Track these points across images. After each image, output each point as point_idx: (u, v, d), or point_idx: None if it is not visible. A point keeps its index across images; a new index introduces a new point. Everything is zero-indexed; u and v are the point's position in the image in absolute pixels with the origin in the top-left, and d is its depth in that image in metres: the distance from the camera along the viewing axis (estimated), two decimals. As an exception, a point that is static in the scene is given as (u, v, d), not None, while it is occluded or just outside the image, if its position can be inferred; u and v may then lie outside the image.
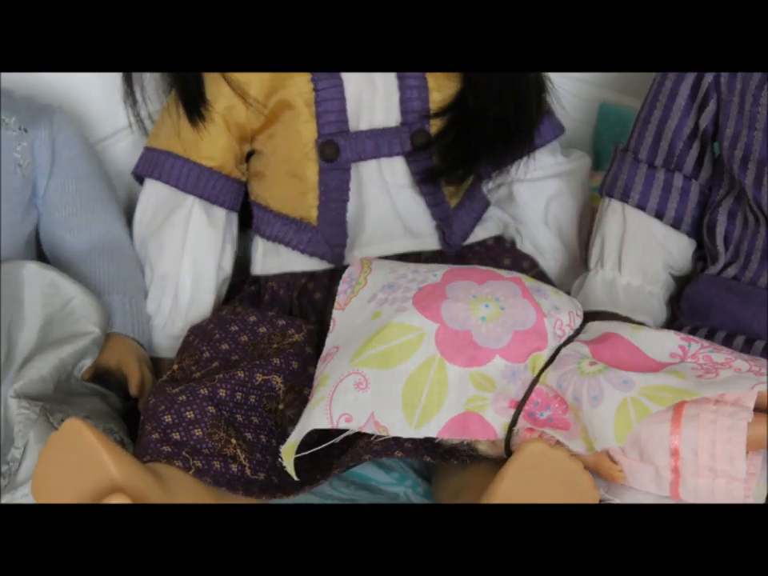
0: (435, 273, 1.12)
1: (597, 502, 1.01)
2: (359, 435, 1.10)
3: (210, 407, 1.10)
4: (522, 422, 1.05)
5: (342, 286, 1.16)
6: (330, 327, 1.14)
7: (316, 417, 1.05)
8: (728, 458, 0.99)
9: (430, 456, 1.08)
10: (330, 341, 1.13)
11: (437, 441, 1.08)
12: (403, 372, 1.06)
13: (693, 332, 1.20)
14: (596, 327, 1.11)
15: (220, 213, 1.32)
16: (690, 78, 1.22)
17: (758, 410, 1.02)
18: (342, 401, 1.05)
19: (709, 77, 1.20)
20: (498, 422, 1.05)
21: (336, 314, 1.14)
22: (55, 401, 1.14)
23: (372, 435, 1.08)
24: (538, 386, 1.06)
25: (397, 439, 1.07)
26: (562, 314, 1.10)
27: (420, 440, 1.08)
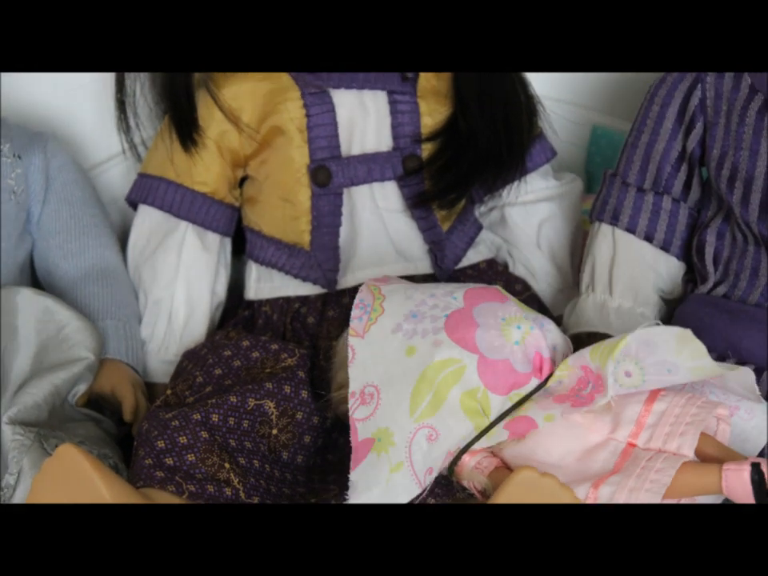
0: (455, 296, 1.12)
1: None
2: None
3: (202, 432, 1.11)
4: (565, 408, 1.07)
5: (356, 312, 1.13)
6: (350, 357, 1.10)
7: (404, 486, 1.04)
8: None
9: (434, 498, 1.07)
10: (357, 374, 1.10)
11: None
12: (455, 397, 1.06)
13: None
14: None
15: (213, 238, 1.33)
16: (677, 101, 1.22)
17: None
18: (420, 459, 1.05)
19: (695, 99, 1.21)
20: (539, 416, 1.06)
21: (354, 341, 1.11)
22: (49, 427, 1.14)
23: None
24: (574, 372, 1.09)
25: None
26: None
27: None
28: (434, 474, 1.06)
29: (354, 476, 1.05)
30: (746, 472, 0.99)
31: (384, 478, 1.04)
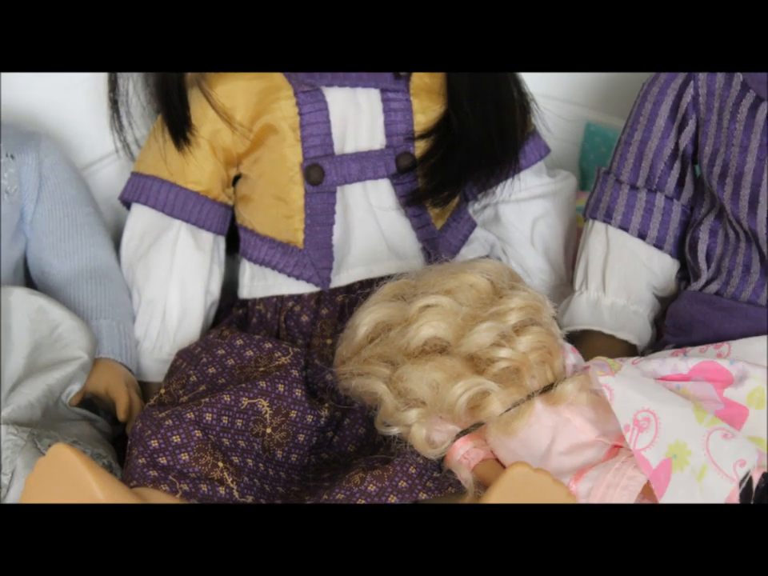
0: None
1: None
2: (354, 463, 1.11)
3: (196, 431, 1.10)
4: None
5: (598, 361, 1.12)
6: (609, 396, 1.06)
7: (717, 485, 1.01)
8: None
9: (425, 492, 1.08)
10: (623, 407, 1.06)
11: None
12: None
13: (677, 348, 1.20)
14: None
15: (207, 237, 1.33)
16: (670, 99, 1.23)
17: None
18: (723, 456, 1.02)
19: (688, 96, 1.21)
20: None
21: (607, 380, 1.07)
22: (43, 426, 1.14)
23: (368, 471, 1.08)
24: None
25: (391, 480, 1.08)
26: None
27: (416, 476, 1.08)
28: (747, 466, 1.02)
29: (666, 500, 1.02)
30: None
31: (696, 488, 1.02)
